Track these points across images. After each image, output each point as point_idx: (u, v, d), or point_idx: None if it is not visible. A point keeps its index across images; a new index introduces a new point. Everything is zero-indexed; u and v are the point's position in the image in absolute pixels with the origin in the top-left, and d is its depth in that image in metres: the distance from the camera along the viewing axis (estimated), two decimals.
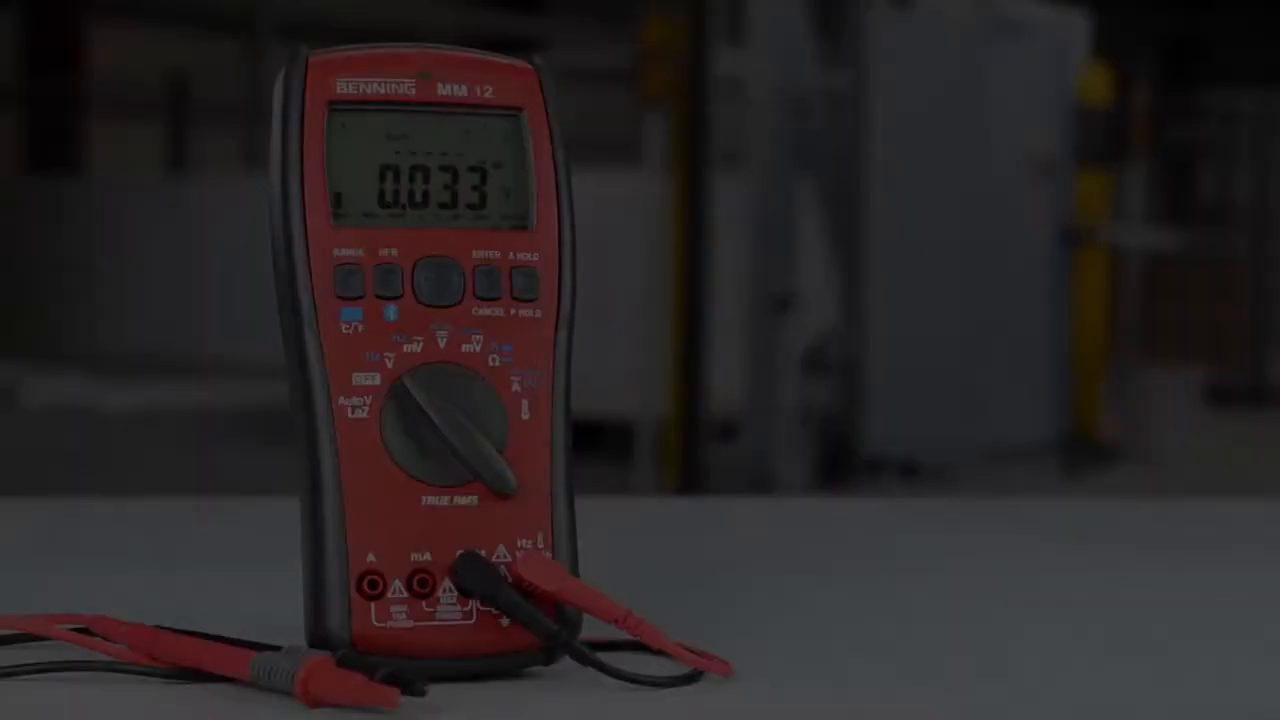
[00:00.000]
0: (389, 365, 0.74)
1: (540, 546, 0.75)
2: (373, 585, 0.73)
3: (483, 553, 0.74)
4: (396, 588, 0.73)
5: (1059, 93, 7.40)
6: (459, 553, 0.74)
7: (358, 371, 0.74)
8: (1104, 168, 7.94)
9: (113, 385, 9.94)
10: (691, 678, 0.75)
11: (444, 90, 0.77)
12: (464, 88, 0.77)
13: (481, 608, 0.74)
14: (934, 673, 0.79)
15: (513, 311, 0.76)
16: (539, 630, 0.74)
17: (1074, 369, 8.02)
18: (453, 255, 0.76)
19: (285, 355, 0.75)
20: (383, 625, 0.73)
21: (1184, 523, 1.33)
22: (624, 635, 0.76)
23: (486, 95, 0.77)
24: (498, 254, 0.76)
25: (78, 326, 11.91)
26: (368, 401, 0.74)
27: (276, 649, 0.71)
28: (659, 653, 0.76)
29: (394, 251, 0.75)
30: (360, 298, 0.74)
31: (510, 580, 0.74)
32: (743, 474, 6.84)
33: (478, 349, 0.76)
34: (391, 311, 0.75)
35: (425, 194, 0.76)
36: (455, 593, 0.74)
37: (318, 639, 0.73)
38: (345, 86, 0.76)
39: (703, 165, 6.66)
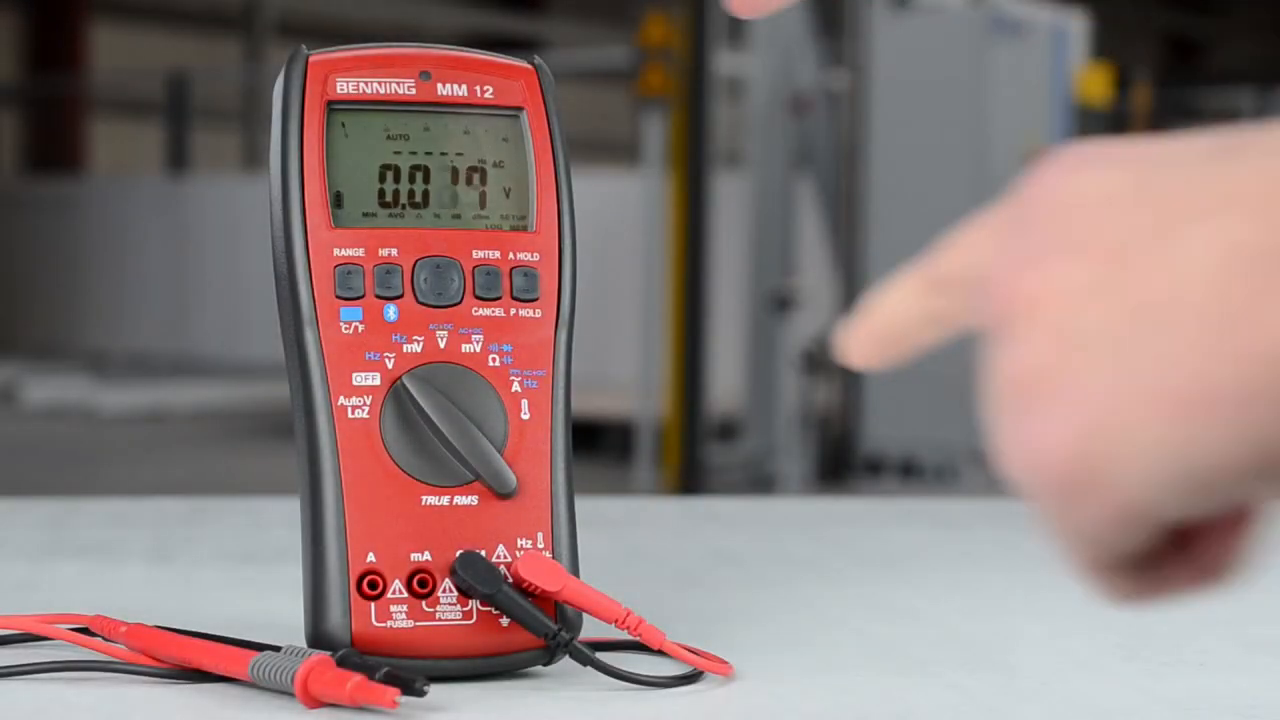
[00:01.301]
0: (389, 365, 0.74)
1: (540, 546, 0.75)
2: (373, 585, 0.73)
3: (482, 553, 0.74)
4: (396, 588, 0.73)
5: (1059, 93, 7.40)
6: (459, 553, 0.74)
7: (358, 371, 0.74)
8: None
9: (112, 385, 9.94)
10: (691, 678, 0.75)
11: (444, 90, 0.77)
12: (464, 88, 0.77)
13: (481, 608, 0.74)
14: (934, 672, 0.79)
15: (513, 311, 0.76)
16: (539, 630, 0.74)
17: None
18: (453, 255, 0.76)
19: (285, 355, 0.75)
20: (383, 625, 0.73)
21: None
22: (624, 635, 0.76)
23: (486, 95, 0.77)
24: (498, 254, 0.76)
25: (78, 326, 11.91)
26: (368, 401, 0.74)
27: (276, 649, 0.71)
28: (659, 653, 0.76)
29: (394, 251, 0.75)
30: (360, 298, 0.74)
31: (510, 580, 0.74)
32: (743, 474, 6.84)
33: (478, 349, 0.76)
34: (391, 311, 0.75)
35: (425, 194, 0.76)
36: (455, 593, 0.74)
37: (317, 639, 0.73)
38: (345, 86, 0.76)
39: (703, 165, 6.66)
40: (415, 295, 0.75)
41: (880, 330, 0.50)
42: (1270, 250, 0.37)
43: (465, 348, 0.75)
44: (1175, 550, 0.42)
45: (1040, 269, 0.42)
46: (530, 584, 0.74)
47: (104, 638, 0.77)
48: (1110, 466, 0.40)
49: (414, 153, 0.76)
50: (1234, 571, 0.43)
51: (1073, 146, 0.44)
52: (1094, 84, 7.75)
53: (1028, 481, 0.42)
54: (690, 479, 6.50)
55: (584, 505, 0.79)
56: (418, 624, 0.73)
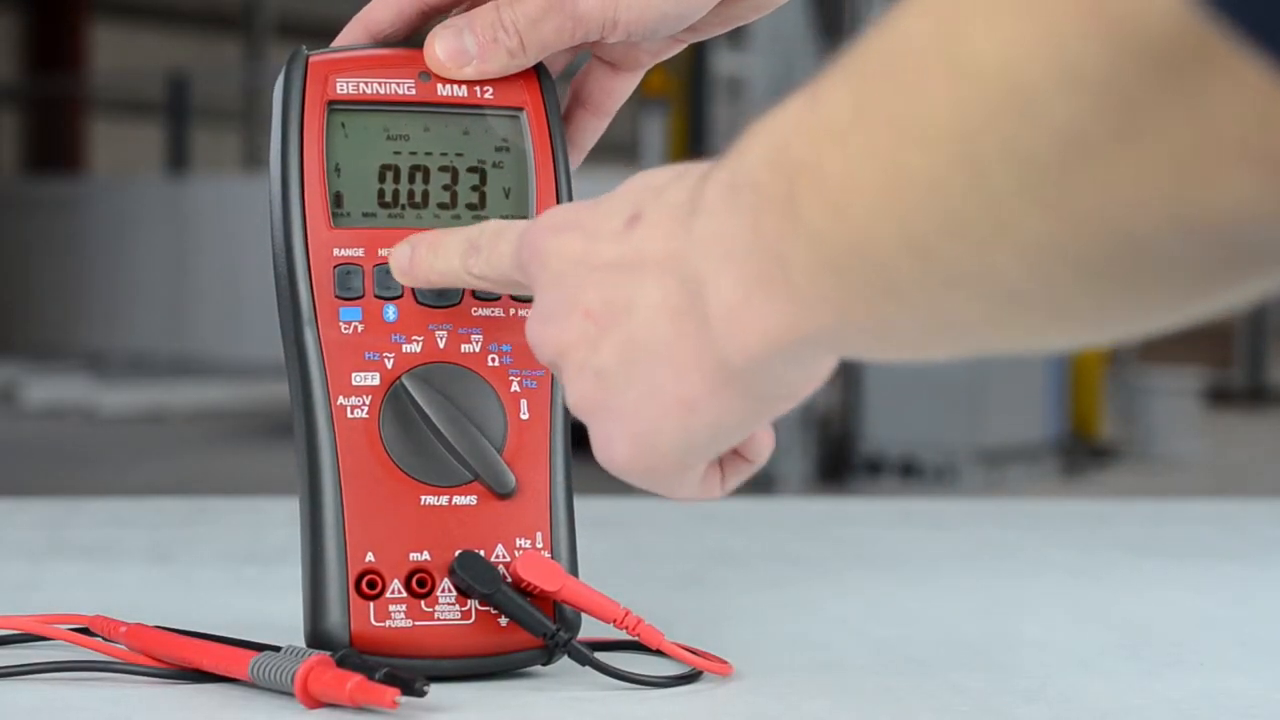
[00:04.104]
0: (388, 365, 0.74)
1: (539, 546, 0.75)
2: (371, 585, 0.73)
3: (481, 552, 0.74)
4: (395, 587, 0.73)
5: None
6: (457, 552, 0.74)
7: (357, 371, 0.74)
8: None
9: (112, 385, 9.94)
10: (690, 678, 0.75)
11: (444, 90, 0.77)
12: (463, 88, 0.77)
13: (480, 607, 0.74)
14: (933, 672, 0.79)
15: (512, 311, 0.76)
16: (537, 630, 0.74)
17: (1073, 369, 8.02)
18: None
19: (285, 355, 0.75)
20: (381, 625, 0.73)
21: (1183, 523, 1.33)
22: (623, 635, 0.76)
23: (486, 95, 0.77)
24: None
25: (78, 326, 11.91)
26: (367, 401, 0.74)
27: (276, 649, 0.71)
28: (658, 653, 0.76)
29: None
30: (360, 298, 0.74)
31: (509, 580, 0.74)
32: None
33: (477, 349, 0.76)
34: (391, 311, 0.75)
35: (425, 194, 0.76)
36: (454, 592, 0.74)
37: (317, 639, 0.73)
38: (345, 86, 0.76)
39: None
40: (414, 295, 0.75)
41: (425, 277, 0.72)
42: (676, 308, 0.57)
43: (464, 348, 0.75)
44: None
45: (551, 328, 0.62)
46: (529, 584, 0.74)
47: (104, 638, 0.77)
48: (654, 459, 0.60)
49: (413, 153, 0.76)
50: (735, 481, 0.67)
51: (550, 210, 0.65)
52: None
53: (621, 475, 0.62)
54: None
55: (584, 505, 0.79)
56: (416, 624, 0.73)
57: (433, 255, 0.72)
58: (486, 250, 0.69)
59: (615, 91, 0.81)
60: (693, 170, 0.59)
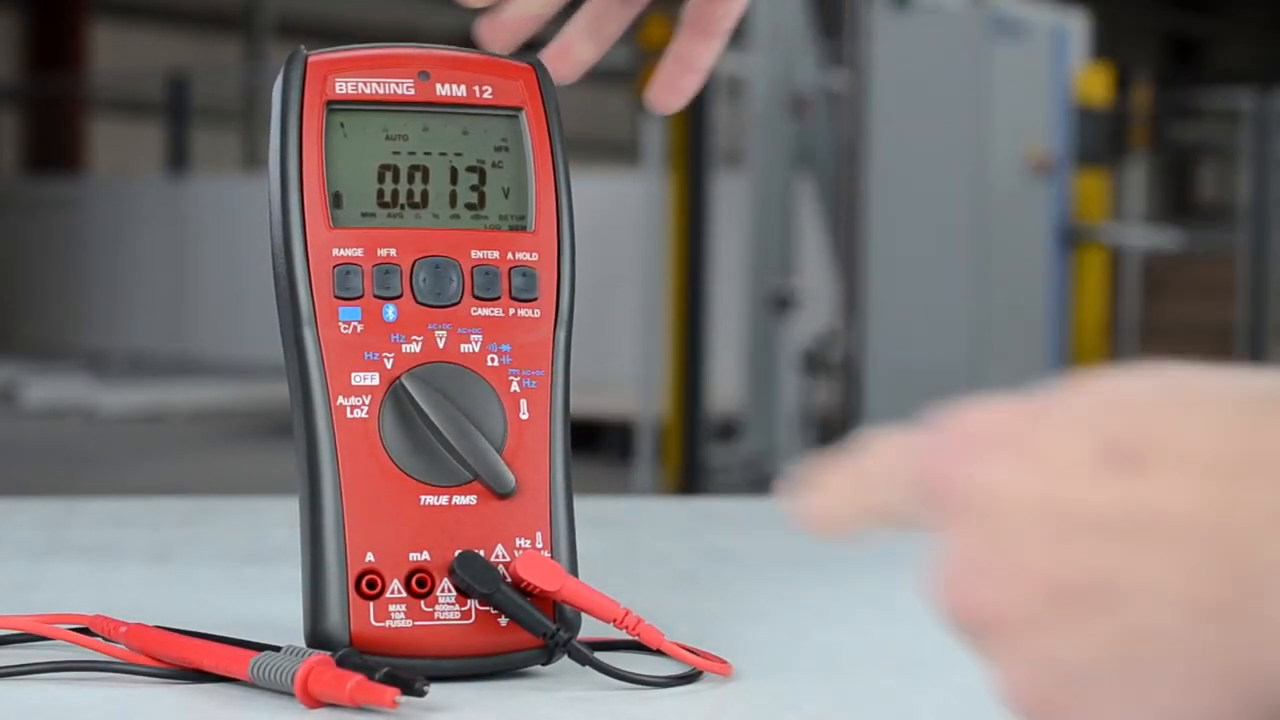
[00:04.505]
0: (388, 365, 0.74)
1: (539, 546, 0.75)
2: (371, 585, 0.73)
3: (481, 552, 0.74)
4: (395, 587, 0.73)
5: (1059, 93, 7.40)
6: (457, 552, 0.74)
7: (356, 371, 0.74)
8: (1104, 168, 7.94)
9: (112, 385, 9.94)
10: (690, 677, 0.75)
11: (443, 90, 0.77)
12: (463, 87, 0.77)
13: (480, 607, 0.74)
14: (934, 672, 0.79)
15: (511, 311, 0.76)
16: (537, 630, 0.74)
17: (1074, 369, 8.02)
18: (451, 255, 0.76)
19: (284, 355, 0.75)
20: (381, 625, 0.73)
21: None
22: (623, 635, 0.76)
23: (485, 95, 0.77)
24: (496, 254, 0.76)
25: (77, 326, 11.90)
26: (366, 401, 0.74)
27: (276, 649, 0.71)
28: (658, 652, 0.76)
29: (393, 251, 0.75)
30: (359, 298, 0.74)
31: (509, 580, 0.74)
32: (743, 474, 6.84)
33: (476, 349, 0.76)
34: (390, 311, 0.75)
35: (424, 194, 0.76)
36: (454, 592, 0.74)
37: (317, 639, 0.73)
38: (344, 86, 0.76)
39: (703, 165, 6.66)
40: (414, 295, 0.75)
41: (823, 518, 0.51)
42: (1202, 597, 0.40)
43: (464, 348, 0.75)
44: None
45: (983, 590, 0.44)
46: (529, 583, 0.74)
47: (104, 638, 0.77)
48: None
49: (413, 153, 0.76)
50: None
51: (961, 415, 0.45)
52: (1094, 84, 7.75)
53: None
54: (690, 479, 6.50)
55: (584, 505, 0.79)
56: (416, 624, 0.73)
57: (820, 498, 0.52)
58: (878, 480, 0.50)
59: (717, 15, 0.80)
60: (1208, 396, 0.44)
